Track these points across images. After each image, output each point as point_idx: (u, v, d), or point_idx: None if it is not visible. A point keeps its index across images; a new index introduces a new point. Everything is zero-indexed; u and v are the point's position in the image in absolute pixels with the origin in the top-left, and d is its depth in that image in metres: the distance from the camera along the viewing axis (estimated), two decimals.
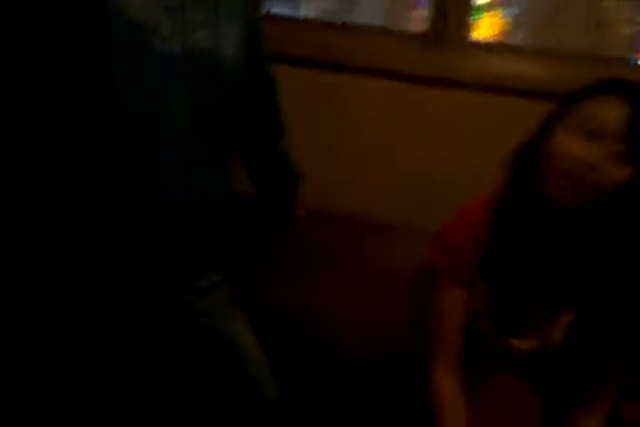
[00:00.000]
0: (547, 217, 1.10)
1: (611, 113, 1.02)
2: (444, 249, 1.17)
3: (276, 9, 1.94)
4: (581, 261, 1.10)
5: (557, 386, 1.15)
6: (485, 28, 1.82)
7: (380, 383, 1.40)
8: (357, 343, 1.44)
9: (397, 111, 1.75)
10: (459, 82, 1.68)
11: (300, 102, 1.61)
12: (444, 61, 1.71)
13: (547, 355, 1.13)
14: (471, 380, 1.17)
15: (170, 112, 1.04)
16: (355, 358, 1.43)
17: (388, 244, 1.51)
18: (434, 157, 1.74)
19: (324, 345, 1.44)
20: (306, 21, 1.89)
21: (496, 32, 1.85)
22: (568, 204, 1.05)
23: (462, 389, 1.16)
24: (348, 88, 1.72)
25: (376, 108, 1.74)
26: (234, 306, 1.28)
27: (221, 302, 1.25)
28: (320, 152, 1.75)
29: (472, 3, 1.76)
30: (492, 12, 1.84)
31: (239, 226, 1.37)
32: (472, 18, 1.77)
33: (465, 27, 1.75)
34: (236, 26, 1.13)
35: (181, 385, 1.22)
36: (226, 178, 1.22)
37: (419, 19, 1.85)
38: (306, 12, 1.98)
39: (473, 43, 1.78)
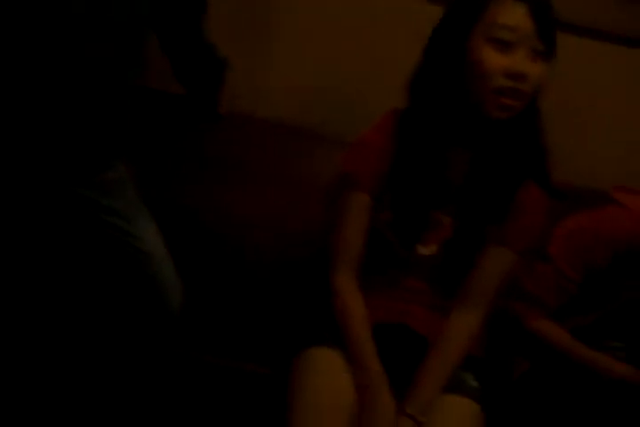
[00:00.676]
0: (455, 128, 1.14)
1: (517, 18, 1.06)
2: (355, 155, 1.22)
3: None
4: (480, 167, 1.16)
5: (450, 286, 1.21)
6: None
7: (285, 288, 1.45)
8: (264, 249, 1.48)
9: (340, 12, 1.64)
10: None
11: None
12: None
13: (442, 258, 1.19)
14: (377, 281, 1.22)
15: None
16: (261, 262, 1.47)
17: (308, 151, 1.50)
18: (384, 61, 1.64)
19: (231, 250, 1.46)
20: None
21: None
22: (505, 116, 1.08)
23: (359, 288, 1.20)
24: None
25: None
26: (140, 206, 1.29)
27: (128, 200, 1.27)
28: (256, 45, 1.63)
29: None
30: None
31: (158, 123, 1.36)
32: None
33: None
34: None
35: (86, 280, 1.26)
36: (135, 64, 1.21)
37: None
38: None
39: None
